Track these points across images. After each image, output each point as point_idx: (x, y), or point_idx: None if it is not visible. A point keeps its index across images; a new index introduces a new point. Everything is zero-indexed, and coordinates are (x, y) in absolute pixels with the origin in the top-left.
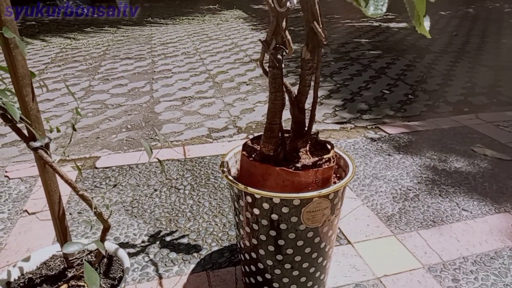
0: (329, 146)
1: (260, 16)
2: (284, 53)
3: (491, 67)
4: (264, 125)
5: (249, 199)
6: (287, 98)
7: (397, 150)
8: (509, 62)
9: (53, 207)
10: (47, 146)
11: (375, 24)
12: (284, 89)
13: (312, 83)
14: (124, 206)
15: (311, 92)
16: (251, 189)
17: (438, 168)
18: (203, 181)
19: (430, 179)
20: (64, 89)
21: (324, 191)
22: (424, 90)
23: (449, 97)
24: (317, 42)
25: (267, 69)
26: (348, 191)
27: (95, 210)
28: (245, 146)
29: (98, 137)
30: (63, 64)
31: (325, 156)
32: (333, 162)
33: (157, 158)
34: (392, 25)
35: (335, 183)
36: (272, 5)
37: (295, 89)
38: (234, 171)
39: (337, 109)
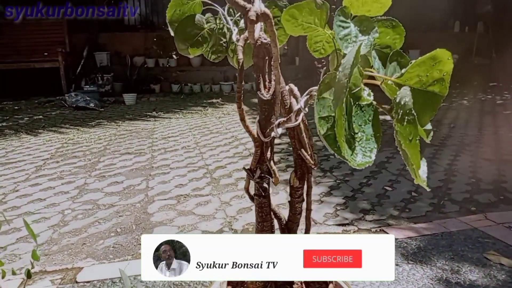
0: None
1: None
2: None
3: (492, 161)
4: None
5: None
6: (276, 224)
7: (405, 259)
8: (510, 156)
9: None
10: None
11: None
12: (273, 215)
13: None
14: None
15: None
16: None
17: (452, 282)
18: None
19: None
20: (58, 187)
21: None
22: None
23: (454, 194)
24: (306, 168)
25: (253, 196)
26: None
27: None
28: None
29: (84, 243)
30: (61, 160)
31: None
32: None
33: (120, 269)
34: (388, 118)
35: None
36: (256, 135)
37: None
38: None
39: (338, 208)
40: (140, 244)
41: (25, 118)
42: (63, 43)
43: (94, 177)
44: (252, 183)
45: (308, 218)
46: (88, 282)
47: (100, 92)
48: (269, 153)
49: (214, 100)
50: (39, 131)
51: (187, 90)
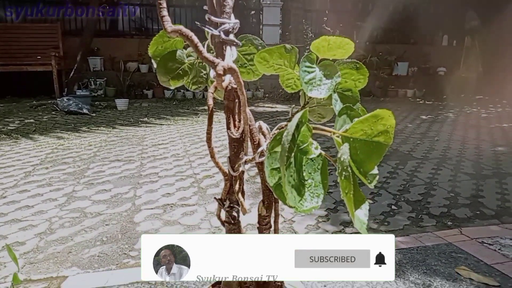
0: None
1: (253, 116)
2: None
3: (472, 175)
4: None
5: None
6: None
7: None
8: (490, 170)
9: None
10: None
11: None
12: None
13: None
14: None
15: None
16: None
17: None
18: None
19: None
20: (46, 194)
21: None
22: (407, 200)
23: (432, 209)
24: (273, 198)
25: (224, 223)
26: None
27: None
28: None
29: (70, 252)
30: (51, 166)
31: None
32: None
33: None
34: None
35: None
36: (225, 170)
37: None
38: None
39: (320, 220)
40: (125, 253)
41: (16, 122)
42: (57, 47)
43: (82, 184)
44: (223, 211)
45: None
46: None
47: (93, 97)
48: (237, 185)
49: (206, 107)
50: (30, 135)
51: (179, 96)
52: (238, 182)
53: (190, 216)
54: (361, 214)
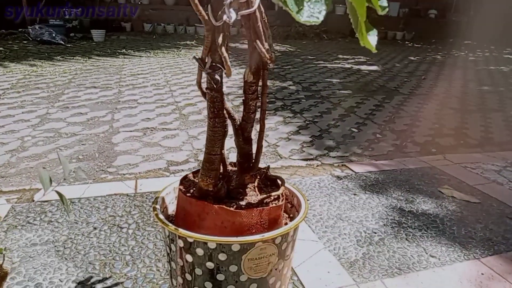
0: (279, 182)
1: (237, 53)
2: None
3: (458, 109)
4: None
5: (181, 243)
6: (230, 125)
7: (363, 190)
8: (475, 106)
9: None
10: None
11: (347, 66)
12: (226, 115)
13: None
14: (55, 246)
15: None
16: (182, 231)
17: (405, 210)
18: (151, 219)
19: (396, 221)
20: (18, 115)
21: (269, 234)
22: (392, 130)
23: (417, 137)
24: (261, 63)
25: (205, 91)
26: (309, 232)
27: None
28: (184, 179)
29: (44, 167)
30: (23, 91)
31: (273, 194)
32: (282, 200)
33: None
34: (363, 67)
35: (286, 224)
36: (206, 17)
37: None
38: (172, 209)
39: (304, 145)
40: (102, 170)
41: None
42: None
43: (57, 107)
44: (204, 78)
45: (262, 119)
46: (46, 201)
47: (67, 28)
48: (220, 38)
49: (188, 42)
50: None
51: (160, 30)
52: (221, 35)
53: (171, 139)
54: (371, 39)
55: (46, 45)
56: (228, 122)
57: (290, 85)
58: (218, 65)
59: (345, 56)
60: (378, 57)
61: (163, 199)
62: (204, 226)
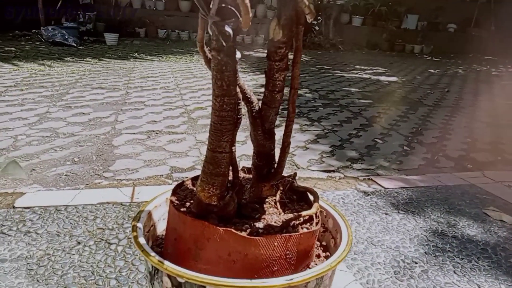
0: (311, 197)
1: (250, 61)
2: (237, 25)
3: (489, 123)
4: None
5: (168, 283)
6: (244, 110)
7: (396, 209)
8: (507, 120)
9: None
10: None
11: (365, 76)
12: (240, 96)
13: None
14: (28, 263)
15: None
16: (170, 266)
17: (448, 235)
18: None
19: (440, 249)
20: (16, 113)
21: (299, 277)
22: (420, 142)
23: (449, 151)
24: (295, 15)
25: (210, 56)
26: None
27: None
28: (179, 187)
29: (33, 169)
30: (26, 89)
31: (304, 213)
32: (318, 223)
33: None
34: (382, 78)
35: (318, 257)
36: None
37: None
38: (163, 228)
39: (324, 155)
40: (97, 174)
41: None
42: None
43: (58, 106)
44: (209, 30)
45: (292, 101)
46: (27, 208)
47: (81, 31)
48: None
49: None
50: (9, 61)
51: (174, 36)
52: None
53: (177, 144)
54: None
55: (58, 47)
56: (242, 106)
57: (306, 93)
58: (230, 7)
59: (362, 67)
60: (397, 69)
61: (149, 214)
62: (203, 258)
